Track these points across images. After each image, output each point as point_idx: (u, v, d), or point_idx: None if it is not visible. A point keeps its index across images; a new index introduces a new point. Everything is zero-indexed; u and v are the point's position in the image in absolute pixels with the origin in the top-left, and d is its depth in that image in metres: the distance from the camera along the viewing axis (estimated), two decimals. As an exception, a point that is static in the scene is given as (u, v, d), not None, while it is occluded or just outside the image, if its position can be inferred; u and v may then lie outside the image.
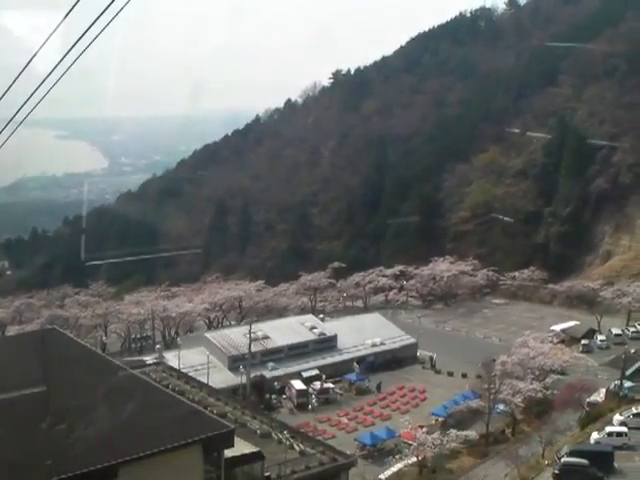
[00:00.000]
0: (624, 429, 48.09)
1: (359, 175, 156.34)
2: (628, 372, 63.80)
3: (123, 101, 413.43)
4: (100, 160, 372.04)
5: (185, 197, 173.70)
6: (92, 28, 11.45)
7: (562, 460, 43.68)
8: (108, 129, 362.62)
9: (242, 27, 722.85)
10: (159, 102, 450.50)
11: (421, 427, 56.95)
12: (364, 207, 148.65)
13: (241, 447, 36.20)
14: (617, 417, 51.03)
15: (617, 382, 59.29)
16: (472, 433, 52.62)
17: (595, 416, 53.58)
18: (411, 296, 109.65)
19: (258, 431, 47.29)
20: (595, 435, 48.30)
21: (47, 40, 12.13)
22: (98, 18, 11.18)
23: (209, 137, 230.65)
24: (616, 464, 44.17)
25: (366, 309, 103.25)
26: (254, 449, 37.97)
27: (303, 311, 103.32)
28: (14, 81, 13.44)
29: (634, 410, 51.14)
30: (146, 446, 26.98)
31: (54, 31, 11.99)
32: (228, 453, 32.64)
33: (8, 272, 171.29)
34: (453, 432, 50.70)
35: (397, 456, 50.85)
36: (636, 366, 65.31)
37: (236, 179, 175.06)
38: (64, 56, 12.13)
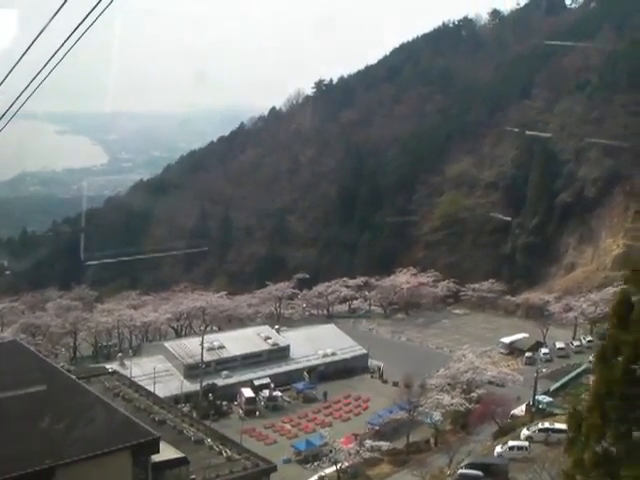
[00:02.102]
0: (525, 443, 52.00)
1: (337, 184, 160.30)
2: (552, 387, 67.99)
3: (124, 97, 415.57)
4: (100, 155, 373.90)
5: (170, 202, 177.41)
6: (85, 22, 11.22)
7: (459, 471, 47.72)
8: (109, 125, 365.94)
9: (244, 24, 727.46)
10: (160, 98, 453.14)
11: (355, 435, 61.30)
12: (340, 215, 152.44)
13: (168, 452, 40.64)
14: (524, 431, 54.92)
15: (539, 397, 63.37)
16: (387, 443, 56.62)
17: (508, 429, 57.57)
18: (375, 305, 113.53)
19: (192, 437, 51.99)
20: (498, 448, 52.30)
21: (40, 35, 11.90)
22: (91, 11, 10.98)
23: (209, 134, 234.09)
24: (511, 476, 48.05)
25: (330, 318, 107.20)
26: (179, 454, 42.24)
27: (270, 319, 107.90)
28: (8, 74, 13.19)
29: (540, 425, 55.04)
30: (81, 450, 31.16)
31: (46, 26, 11.77)
32: (156, 458, 37.03)
33: (7, 272, 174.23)
34: (369, 442, 54.83)
35: (316, 463, 55.01)
36: (560, 382, 69.42)
37: (219, 185, 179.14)
38: (57, 50, 11.94)
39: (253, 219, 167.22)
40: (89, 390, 44.79)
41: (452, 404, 60.73)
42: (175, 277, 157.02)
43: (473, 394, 63.99)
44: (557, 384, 68.72)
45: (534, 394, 61.19)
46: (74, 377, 58.02)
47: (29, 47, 12.25)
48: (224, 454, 49.13)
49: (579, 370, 74.02)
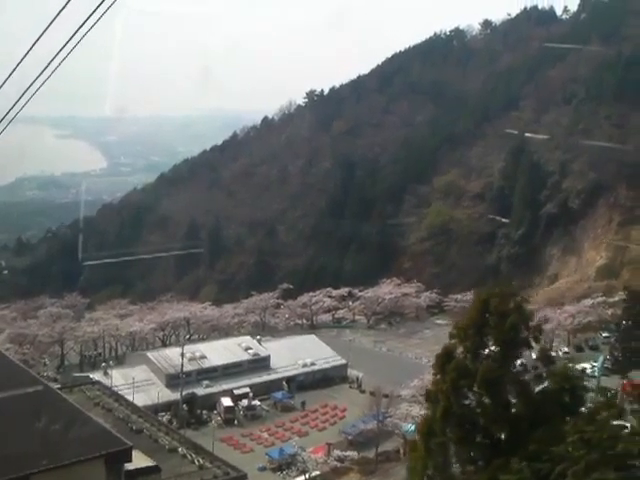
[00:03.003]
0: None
1: (326, 193, 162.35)
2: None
3: (124, 100, 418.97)
4: (99, 160, 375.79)
5: (162, 211, 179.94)
6: (84, 27, 11.25)
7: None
8: (108, 129, 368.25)
9: (248, 27, 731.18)
10: (161, 102, 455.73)
11: (328, 445, 63.13)
12: (329, 225, 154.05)
13: (141, 461, 42.70)
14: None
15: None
16: (354, 453, 58.47)
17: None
18: (359, 315, 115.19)
19: (167, 446, 54.34)
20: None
21: (39, 39, 11.94)
22: (91, 15, 10.94)
23: (209, 138, 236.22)
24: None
25: (313, 328, 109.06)
26: (151, 463, 44.42)
27: (256, 328, 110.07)
28: (8, 77, 13.19)
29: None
30: (56, 459, 32.89)
31: (46, 30, 11.74)
32: (129, 466, 38.99)
33: (5, 271, 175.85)
34: (337, 452, 56.69)
35: (284, 471, 56.96)
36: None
37: (211, 194, 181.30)
38: (57, 54, 11.86)
39: (244, 228, 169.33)
40: (66, 399, 46.52)
41: (420, 415, 62.23)
42: (166, 284, 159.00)
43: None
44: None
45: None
46: (53, 386, 60.43)
47: (29, 51, 12.26)
48: (196, 462, 51.28)
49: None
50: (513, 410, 24.41)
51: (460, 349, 27.01)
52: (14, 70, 12.93)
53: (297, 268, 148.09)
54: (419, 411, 62.94)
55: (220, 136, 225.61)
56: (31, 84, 12.62)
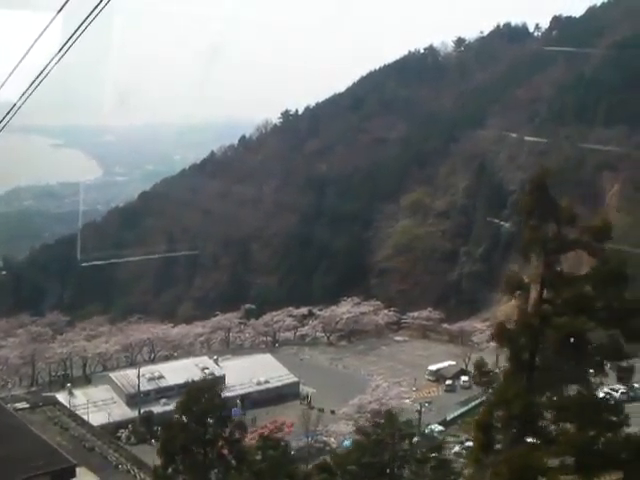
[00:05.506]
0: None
1: (299, 212, 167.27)
2: (449, 416, 74.69)
3: (119, 109, 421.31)
4: (94, 169, 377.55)
5: (143, 229, 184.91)
6: (76, 34, 10.95)
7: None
8: (103, 137, 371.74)
9: (243, 35, 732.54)
10: (156, 110, 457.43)
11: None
12: (301, 244, 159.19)
13: (86, 477, 48.43)
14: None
15: (432, 426, 70.03)
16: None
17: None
18: (321, 332, 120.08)
19: (114, 462, 60.47)
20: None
21: (32, 47, 11.80)
22: (82, 23, 10.74)
23: (205, 146, 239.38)
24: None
25: (276, 345, 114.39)
26: (96, 479, 50.44)
27: (222, 345, 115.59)
28: (2, 85, 12.94)
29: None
30: (5, 476, 38.01)
31: (39, 37, 11.64)
32: None
33: (3, 272, 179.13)
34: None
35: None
36: (458, 411, 75.97)
37: (189, 213, 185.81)
38: (49, 62, 11.61)
39: (220, 246, 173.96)
40: (19, 420, 52.26)
41: (348, 433, 67.41)
42: (146, 301, 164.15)
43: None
44: (454, 413, 75.17)
45: (419, 424, 67.58)
46: (18, 405, 66.75)
47: (22, 59, 12.07)
48: (138, 477, 57.72)
49: (481, 400, 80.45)
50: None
51: None
52: (10, 75, 12.61)
53: (270, 285, 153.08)
54: (351, 428, 68.31)
55: (216, 144, 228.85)
56: (24, 92, 12.43)
